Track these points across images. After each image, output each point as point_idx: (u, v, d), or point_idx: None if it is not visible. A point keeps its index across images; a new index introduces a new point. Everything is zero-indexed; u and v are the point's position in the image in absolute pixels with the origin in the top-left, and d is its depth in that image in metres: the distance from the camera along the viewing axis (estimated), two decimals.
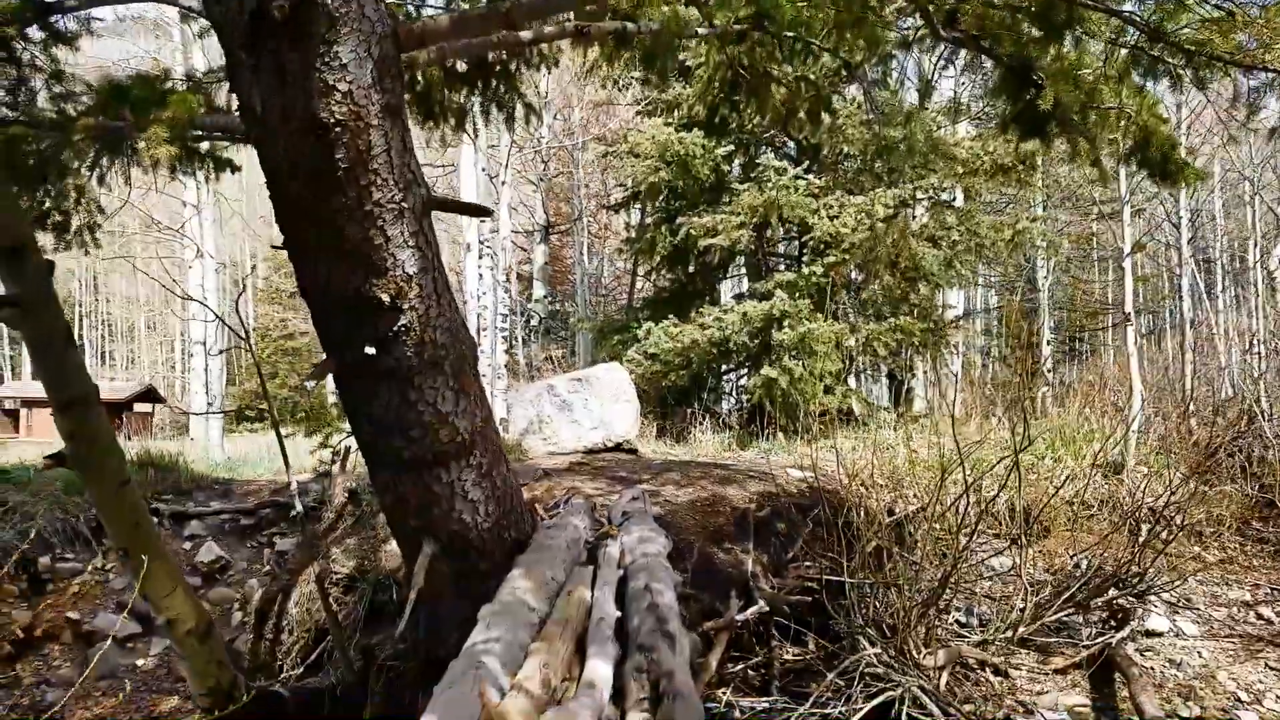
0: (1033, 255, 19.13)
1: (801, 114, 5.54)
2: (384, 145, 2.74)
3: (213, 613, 6.66)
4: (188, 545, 7.07)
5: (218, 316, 4.09)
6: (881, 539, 5.82)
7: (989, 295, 24.86)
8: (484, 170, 9.12)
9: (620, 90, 12.40)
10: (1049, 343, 19.99)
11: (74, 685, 6.02)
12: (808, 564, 6.23)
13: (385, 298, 2.94)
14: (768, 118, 7.27)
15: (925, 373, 16.13)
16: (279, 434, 4.40)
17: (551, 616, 3.51)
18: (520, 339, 21.28)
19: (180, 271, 12.17)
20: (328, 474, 6.47)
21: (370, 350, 3.03)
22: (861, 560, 5.65)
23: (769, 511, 6.24)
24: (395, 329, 3.04)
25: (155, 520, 7.28)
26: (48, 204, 4.69)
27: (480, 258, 9.15)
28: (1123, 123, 4.19)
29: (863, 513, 6.13)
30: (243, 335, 4.10)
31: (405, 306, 3.01)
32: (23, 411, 37.17)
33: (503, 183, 9.25)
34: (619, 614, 3.59)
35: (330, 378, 3.49)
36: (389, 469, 3.65)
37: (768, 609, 5.37)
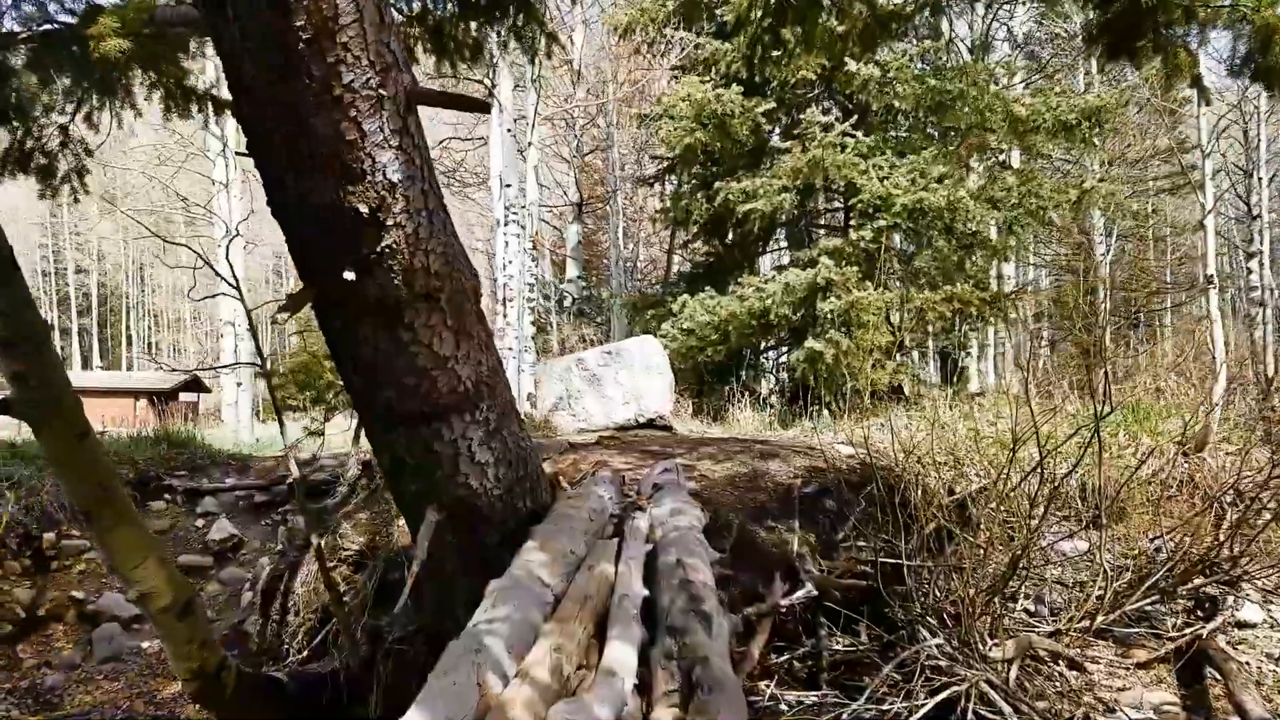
0: (1092, 227, 18.22)
1: (854, 40, 4.93)
2: (354, 12, 2.25)
3: (223, 592, 6.33)
4: (200, 523, 6.73)
5: (206, 262, 3.65)
6: (942, 519, 5.29)
7: (1039, 276, 23.84)
8: (509, 130, 8.63)
9: (655, 53, 11.83)
10: (1107, 323, 19.05)
11: (76, 667, 5.70)
12: (860, 545, 5.69)
13: (364, 209, 2.45)
14: (814, 55, 6.70)
15: (980, 350, 15.39)
16: (275, 399, 3.96)
17: (568, 594, 3.03)
18: (554, 323, 20.88)
19: (210, 252, 11.89)
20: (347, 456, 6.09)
21: (350, 275, 2.55)
22: (921, 542, 5.13)
23: (816, 488, 5.69)
24: (379, 250, 2.56)
25: (169, 497, 6.98)
26: (29, 144, 4.32)
27: (505, 224, 8.69)
28: (1236, 23, 3.57)
29: (920, 491, 5.61)
30: (233, 284, 3.66)
31: (389, 222, 2.52)
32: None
33: (529, 144, 8.76)
34: (646, 593, 3.10)
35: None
36: (382, 425, 3.18)
37: (816, 593, 4.85)
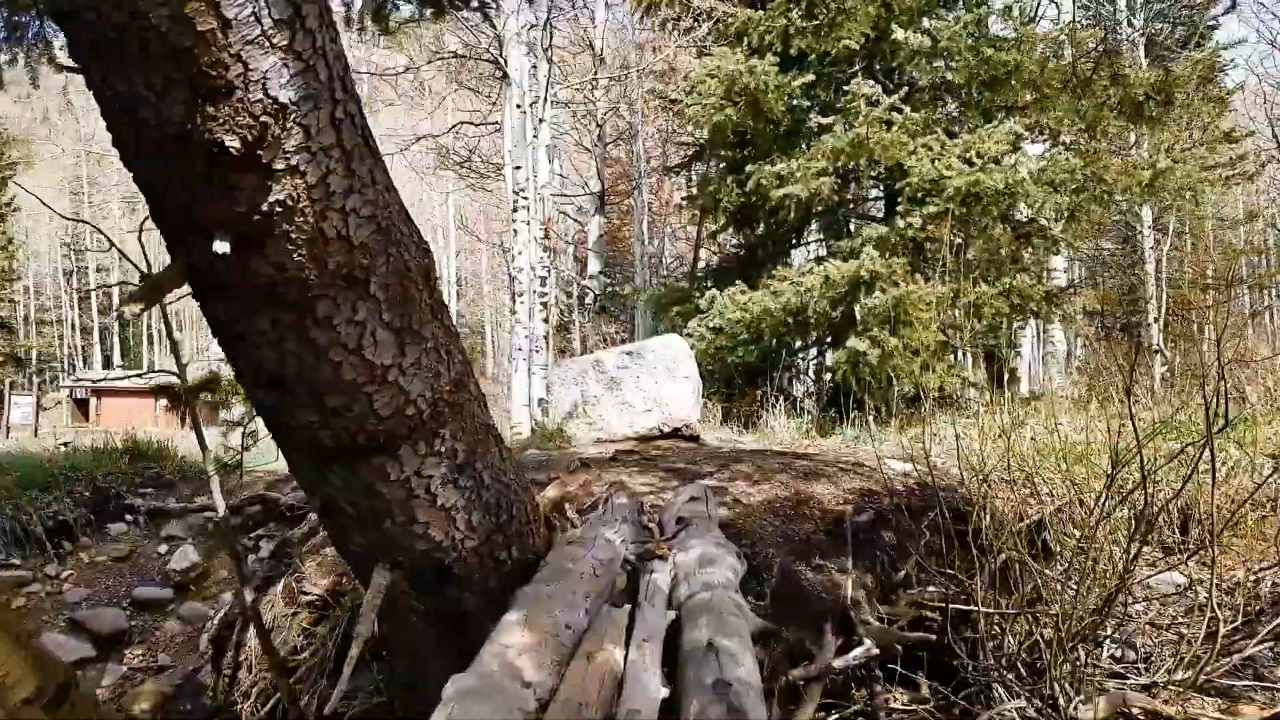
0: (1138, 218, 17.04)
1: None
2: None
3: (183, 633, 5.53)
4: (163, 548, 5.94)
5: (97, 230, 2.80)
6: (1013, 550, 4.41)
7: (1080, 270, 22.59)
8: (519, 106, 7.78)
9: (680, 31, 10.94)
10: (1156, 320, 17.88)
11: None
12: (925, 585, 4.78)
13: (233, 143, 1.60)
14: (857, 22, 5.82)
15: (1031, 350, 14.36)
16: (194, 413, 3.13)
17: (558, 695, 2.18)
18: (576, 320, 20.04)
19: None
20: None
21: (221, 246, 1.70)
22: (991, 578, 4.26)
23: (871, 516, 4.78)
24: (266, 208, 1.70)
25: (130, 518, 6.21)
26: None
27: (515, 210, 7.84)
28: None
29: (987, 517, 4.71)
30: (142, 268, 2.82)
31: (278, 166, 1.67)
32: (93, 400, 37.73)
33: (540, 120, 7.91)
34: (666, 692, 2.24)
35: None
36: (306, 460, 2.35)
37: (877, 651, 3.95)
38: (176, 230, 1.83)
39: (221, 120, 1.58)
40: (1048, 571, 4.80)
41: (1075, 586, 4.57)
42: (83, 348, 45.63)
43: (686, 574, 3.03)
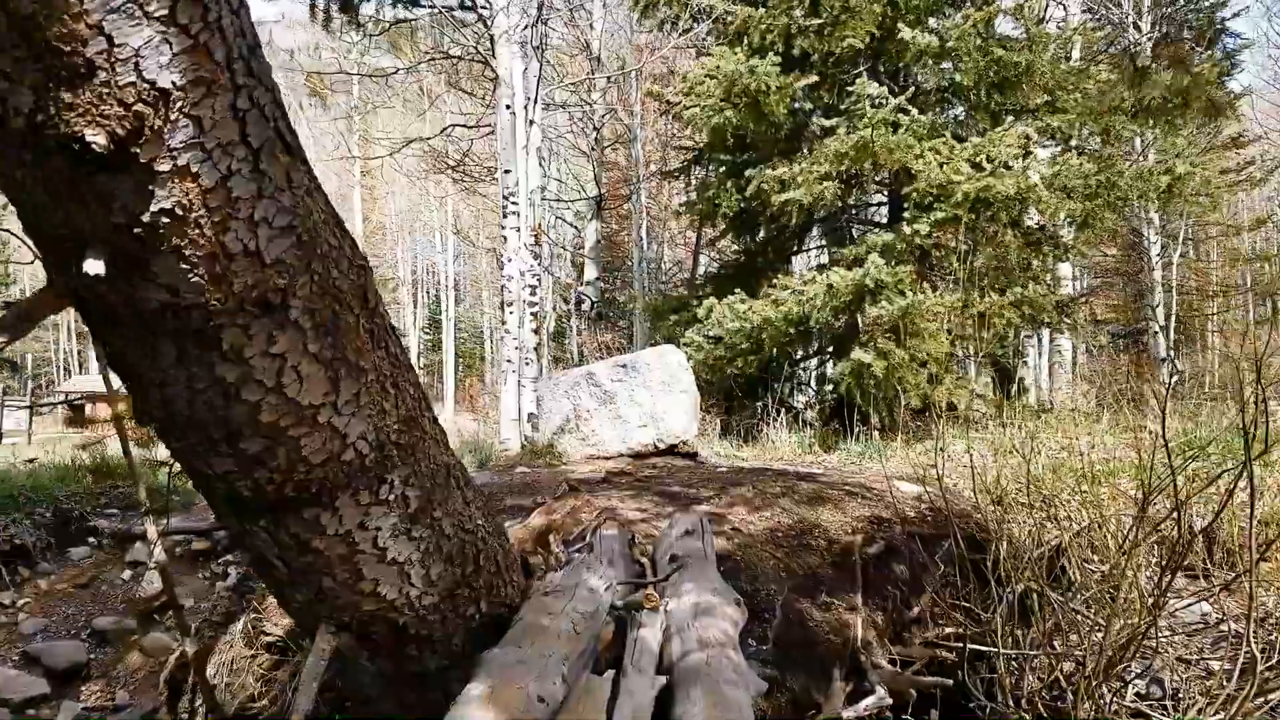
0: (1146, 223, 16.70)
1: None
2: None
3: (145, 666, 5.18)
4: (128, 574, 5.60)
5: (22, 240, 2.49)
6: (1031, 580, 4.12)
7: (1084, 277, 22.23)
8: (508, 107, 7.44)
9: (679, 31, 10.60)
10: (1163, 328, 17.54)
11: None
12: (939, 620, 4.45)
13: (98, 138, 1.27)
14: (861, 20, 5.48)
15: (1036, 358, 14.02)
16: (121, 432, 2.80)
17: None
18: (574, 327, 19.70)
19: None
20: None
21: (94, 266, 1.37)
22: (1009, 610, 3.97)
23: (881, 547, 4.45)
24: (149, 219, 1.37)
25: (94, 541, 5.86)
26: None
27: (504, 216, 7.50)
28: None
29: (1005, 544, 4.42)
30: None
31: (162, 167, 1.33)
32: (88, 406, 37.36)
33: (530, 122, 7.57)
34: None
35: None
36: (231, 511, 2.01)
37: (890, 701, 3.63)
38: (48, 246, 1.50)
39: (81, 110, 1.25)
40: (1070, 604, 4.49)
41: (1100, 620, 4.26)
42: (79, 351, 45.26)
43: (679, 627, 2.69)
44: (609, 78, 15.36)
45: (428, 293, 44.48)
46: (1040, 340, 13.96)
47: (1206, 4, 17.12)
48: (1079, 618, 4.26)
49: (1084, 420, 9.40)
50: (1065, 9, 13.99)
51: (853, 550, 4.33)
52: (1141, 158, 9.69)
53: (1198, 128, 12.62)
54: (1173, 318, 16.84)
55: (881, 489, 5.49)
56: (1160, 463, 5.33)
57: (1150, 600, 3.68)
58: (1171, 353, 17.64)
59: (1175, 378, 14.65)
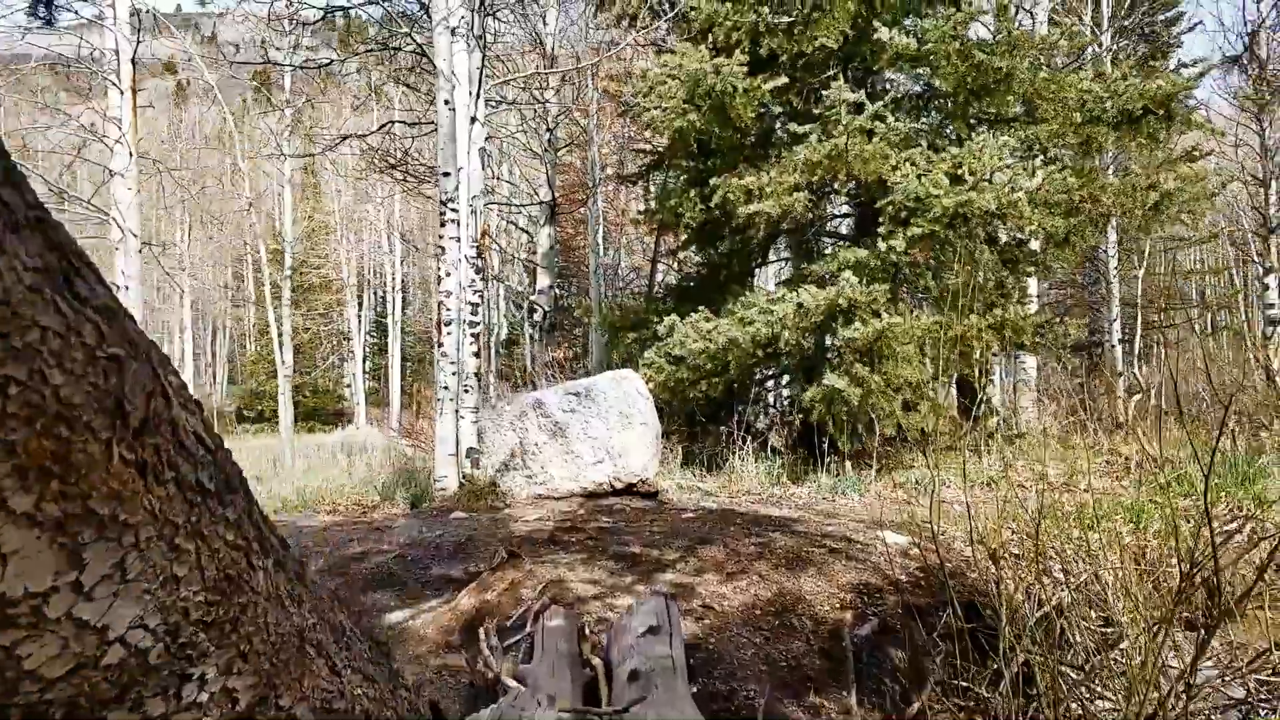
0: (1101, 238, 16.51)
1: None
2: None
3: None
4: None
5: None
6: (1030, 648, 3.59)
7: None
8: (447, 102, 6.64)
9: (638, 27, 9.93)
10: (1123, 341, 17.39)
11: None
12: (939, 716, 3.83)
13: None
14: (835, 18, 4.83)
15: (1002, 380, 13.63)
16: None
17: None
18: (529, 336, 18.89)
19: (106, 255, 9.96)
20: None
21: None
22: (1013, 685, 3.45)
23: (874, 626, 3.81)
24: None
25: None
26: None
27: (443, 225, 6.71)
28: None
29: (1004, 610, 3.85)
30: None
31: None
32: None
33: (473, 119, 6.79)
34: None
35: None
36: None
37: None
38: None
39: None
40: (1066, 666, 4.00)
41: (1083, 683, 3.82)
42: None
43: None
44: (563, 75, 14.62)
45: (375, 294, 43.17)
46: (1004, 358, 13.59)
47: (1161, 19, 17.05)
48: (1082, 691, 3.72)
49: (1061, 447, 8.97)
50: (1034, 18, 13.66)
51: (842, 632, 3.68)
52: (1111, 172, 9.25)
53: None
54: (1137, 331, 16.67)
55: (866, 541, 4.87)
56: (1179, 520, 4.70)
57: (1182, 679, 3.14)
58: (1136, 367, 17.48)
59: (1139, 395, 14.39)
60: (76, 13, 9.79)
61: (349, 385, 40.23)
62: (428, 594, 4.29)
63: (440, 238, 6.85)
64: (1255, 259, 18.21)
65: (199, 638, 1.26)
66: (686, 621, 3.65)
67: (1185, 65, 19.84)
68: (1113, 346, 16.87)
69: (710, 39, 8.03)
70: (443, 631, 3.89)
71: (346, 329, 39.27)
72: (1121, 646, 3.87)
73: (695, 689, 3.20)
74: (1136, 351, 16.76)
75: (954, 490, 7.41)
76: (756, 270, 11.27)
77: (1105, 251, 17.21)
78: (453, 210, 6.62)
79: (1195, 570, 3.58)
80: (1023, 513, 5.55)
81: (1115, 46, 17.58)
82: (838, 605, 3.89)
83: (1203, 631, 3.26)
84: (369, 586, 4.50)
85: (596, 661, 3.19)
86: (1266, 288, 16.30)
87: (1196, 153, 8.91)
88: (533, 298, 16.02)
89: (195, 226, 36.18)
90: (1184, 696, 3.18)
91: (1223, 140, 16.92)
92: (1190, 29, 18.30)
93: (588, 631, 3.58)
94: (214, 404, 40.86)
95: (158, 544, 1.15)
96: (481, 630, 3.69)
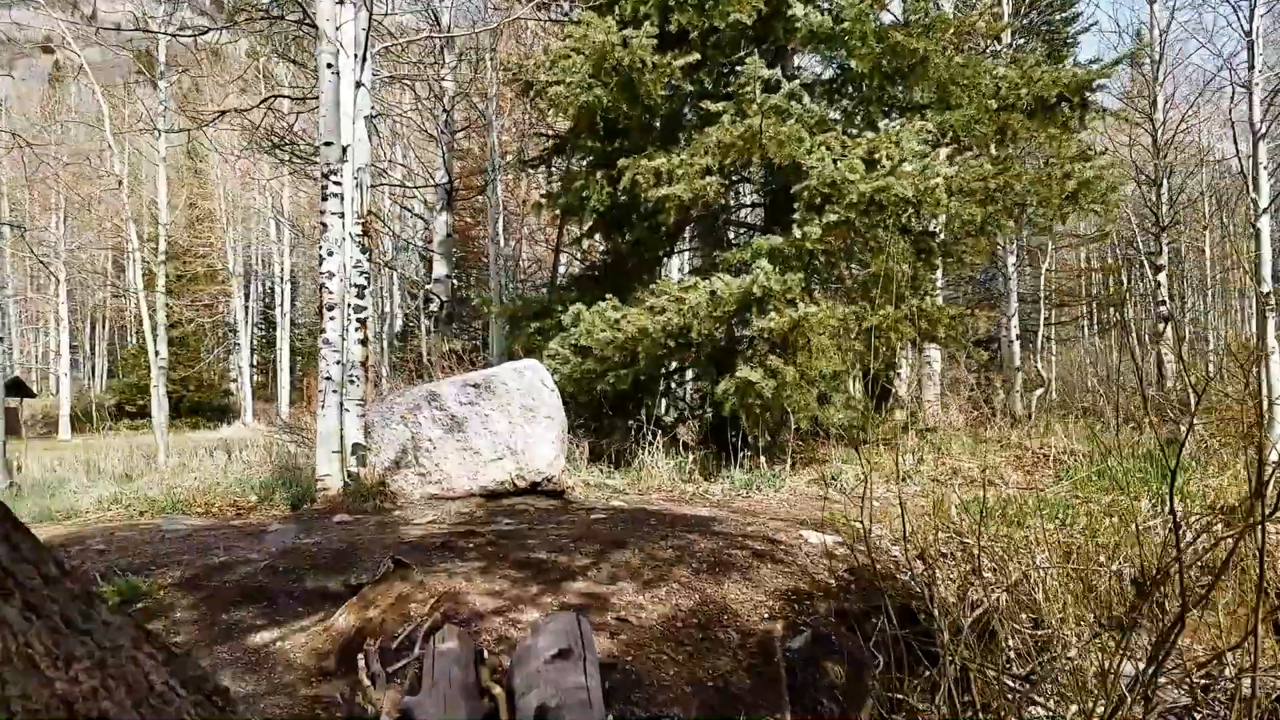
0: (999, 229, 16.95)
1: None
2: None
3: None
4: None
5: None
6: (968, 657, 3.34)
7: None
8: (330, 66, 5.98)
9: (534, 5, 9.38)
10: (1020, 337, 17.93)
11: None
12: None
13: None
14: None
15: (907, 373, 13.72)
16: None
17: None
18: (424, 328, 18.03)
19: None
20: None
21: None
22: (950, 692, 3.19)
23: (807, 638, 3.46)
24: None
25: None
26: None
27: (324, 199, 6.04)
28: None
29: (938, 613, 3.65)
30: None
31: None
32: None
33: (358, 84, 6.14)
34: None
35: None
36: None
37: None
38: None
39: None
40: (1008, 681, 3.79)
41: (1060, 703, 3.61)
42: None
43: None
44: (460, 55, 13.91)
45: (263, 284, 40.98)
46: (910, 350, 13.69)
47: (1059, 17, 17.61)
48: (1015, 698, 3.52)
49: (973, 441, 8.98)
50: (939, 7, 13.77)
51: (773, 646, 3.31)
52: (1019, 163, 9.29)
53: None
54: (1041, 325, 17.18)
55: (789, 542, 4.54)
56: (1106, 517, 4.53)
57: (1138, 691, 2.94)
58: (1039, 361, 18.04)
59: (1040, 391, 14.80)
60: None
61: (235, 380, 38.09)
62: (301, 610, 3.71)
63: (321, 214, 6.17)
64: (1143, 257, 19.03)
65: None
66: (600, 637, 3.21)
67: (1080, 65, 20.68)
68: (1010, 342, 17.31)
69: (617, 10, 7.59)
70: (316, 655, 3.32)
71: (232, 320, 37.17)
72: (1069, 654, 3.66)
73: (612, 717, 2.78)
74: (1039, 345, 17.25)
75: (872, 486, 7.24)
76: (665, 259, 10.92)
77: (1003, 247, 17.67)
78: (335, 184, 5.95)
79: (1160, 573, 3.38)
80: (949, 509, 5.38)
81: (1014, 44, 18.07)
82: (766, 615, 3.53)
83: (1162, 636, 3.04)
84: (233, 602, 3.88)
85: (498, 690, 2.72)
86: (1159, 285, 17.04)
87: (1090, 152, 8.98)
88: (429, 287, 15.24)
89: (71, 213, 33.43)
90: (1141, 704, 2.96)
91: (1115, 139, 17.63)
92: (1086, 29, 18.98)
93: (486, 655, 3.10)
94: (92, 398, 37.97)
95: None
96: (361, 654, 3.15)
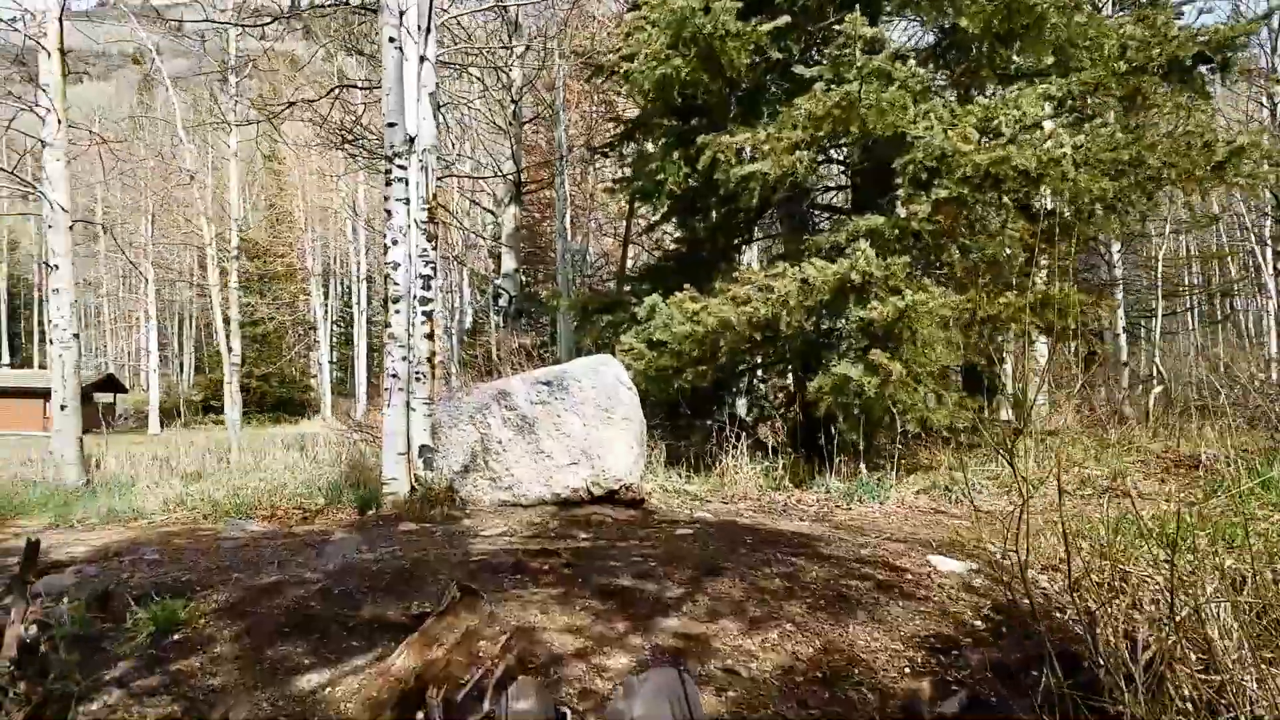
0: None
1: None
2: None
3: None
4: None
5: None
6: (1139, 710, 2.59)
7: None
8: (392, 40, 5.50)
9: None
10: (1126, 330, 16.60)
11: None
12: None
13: None
14: None
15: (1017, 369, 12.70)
16: None
17: None
18: (494, 324, 17.71)
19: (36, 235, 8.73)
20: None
21: None
22: None
23: (963, 701, 2.79)
24: None
25: None
26: None
27: (388, 184, 5.58)
28: None
29: (1100, 655, 2.93)
30: None
31: None
32: None
33: (422, 59, 5.65)
34: None
35: None
36: None
37: None
38: None
39: None
40: None
41: None
42: None
43: None
44: (528, 44, 13.44)
45: (341, 283, 41.63)
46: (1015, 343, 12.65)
47: None
48: None
49: (1098, 446, 8.06)
50: None
51: (921, 711, 2.65)
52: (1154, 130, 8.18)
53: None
54: (1159, 319, 15.92)
55: (915, 570, 3.86)
56: None
57: None
58: (1159, 360, 16.77)
59: (1159, 388, 13.58)
60: None
61: (315, 376, 38.86)
62: (355, 645, 3.20)
63: (386, 199, 5.71)
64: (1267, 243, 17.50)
65: None
66: (705, 693, 2.60)
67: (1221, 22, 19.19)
68: (1116, 335, 16.05)
69: None
70: (370, 707, 2.80)
71: (312, 318, 37.93)
72: (1258, 709, 2.93)
73: None
74: (1156, 340, 15.95)
75: (986, 497, 6.46)
76: (743, 248, 10.23)
77: (1113, 231, 16.41)
78: (400, 167, 5.48)
79: None
80: (1100, 529, 4.60)
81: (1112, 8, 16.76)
82: (906, 668, 2.86)
83: None
84: (281, 633, 3.40)
85: None
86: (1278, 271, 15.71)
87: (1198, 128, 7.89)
88: (497, 282, 14.86)
89: (158, 214, 34.50)
90: None
91: (1226, 113, 16.18)
92: None
93: (569, 714, 2.53)
94: (180, 394, 39.26)
95: None
96: (422, 711, 2.61)
